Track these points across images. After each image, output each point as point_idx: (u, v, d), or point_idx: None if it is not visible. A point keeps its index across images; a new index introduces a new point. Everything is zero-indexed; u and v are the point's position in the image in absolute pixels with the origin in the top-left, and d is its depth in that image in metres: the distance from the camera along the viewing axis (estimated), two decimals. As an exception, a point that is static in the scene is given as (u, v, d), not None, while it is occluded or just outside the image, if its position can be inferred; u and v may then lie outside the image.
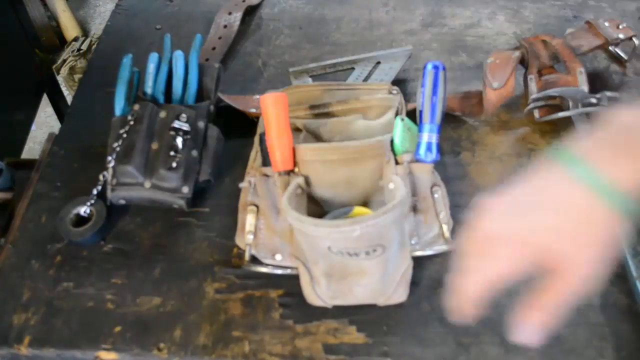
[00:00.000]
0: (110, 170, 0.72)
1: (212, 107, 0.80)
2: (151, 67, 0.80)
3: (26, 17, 1.25)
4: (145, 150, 0.73)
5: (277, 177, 0.68)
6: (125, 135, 0.73)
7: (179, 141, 0.73)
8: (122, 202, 0.74)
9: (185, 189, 0.73)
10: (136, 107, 0.75)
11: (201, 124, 0.76)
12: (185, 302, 0.68)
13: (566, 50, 0.84)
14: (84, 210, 0.73)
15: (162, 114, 0.75)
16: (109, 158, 0.73)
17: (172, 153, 0.72)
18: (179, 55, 0.80)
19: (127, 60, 0.79)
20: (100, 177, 0.73)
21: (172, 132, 0.73)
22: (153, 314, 0.67)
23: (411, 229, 0.68)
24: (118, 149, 0.73)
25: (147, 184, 0.72)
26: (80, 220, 0.73)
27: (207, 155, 0.76)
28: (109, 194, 0.73)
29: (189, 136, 0.74)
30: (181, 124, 0.74)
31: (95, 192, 0.73)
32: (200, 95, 0.81)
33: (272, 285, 0.68)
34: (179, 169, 0.72)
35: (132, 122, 0.74)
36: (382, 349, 0.63)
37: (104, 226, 0.72)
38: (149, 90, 0.79)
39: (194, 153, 0.74)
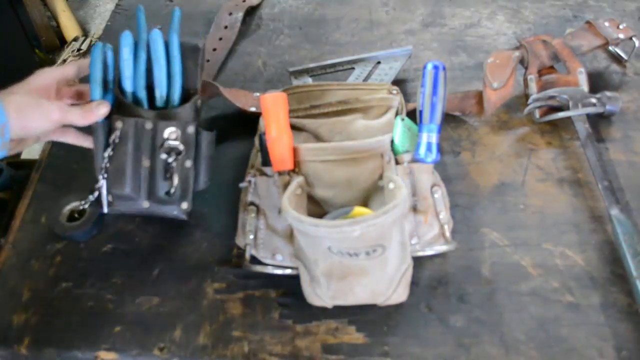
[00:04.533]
0: (104, 190, 0.69)
1: (199, 102, 0.72)
2: (125, 51, 0.67)
3: (26, 17, 1.25)
4: (137, 170, 0.69)
5: (277, 177, 0.68)
6: (112, 155, 0.68)
7: (172, 159, 0.69)
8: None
9: (185, 205, 0.70)
10: (119, 124, 0.68)
11: (191, 129, 0.70)
12: (185, 302, 0.68)
13: (566, 50, 0.84)
14: (77, 205, 0.73)
15: (148, 126, 0.69)
16: (99, 177, 0.68)
17: (166, 173, 0.69)
18: (156, 35, 0.66)
19: (96, 54, 0.69)
20: (93, 195, 0.69)
21: (164, 155, 0.69)
22: (153, 314, 0.67)
23: (411, 229, 0.68)
24: (108, 166, 0.68)
25: (146, 204, 0.70)
26: (75, 218, 0.73)
27: (201, 162, 0.72)
28: (106, 208, 0.70)
29: (181, 155, 0.70)
30: (172, 143, 0.69)
31: (91, 198, 0.70)
32: (186, 86, 0.72)
33: (272, 285, 0.68)
34: (176, 191, 0.69)
35: (117, 141, 0.68)
36: (382, 349, 0.63)
37: (98, 219, 0.72)
38: (127, 85, 0.69)
39: (188, 163, 0.70)
